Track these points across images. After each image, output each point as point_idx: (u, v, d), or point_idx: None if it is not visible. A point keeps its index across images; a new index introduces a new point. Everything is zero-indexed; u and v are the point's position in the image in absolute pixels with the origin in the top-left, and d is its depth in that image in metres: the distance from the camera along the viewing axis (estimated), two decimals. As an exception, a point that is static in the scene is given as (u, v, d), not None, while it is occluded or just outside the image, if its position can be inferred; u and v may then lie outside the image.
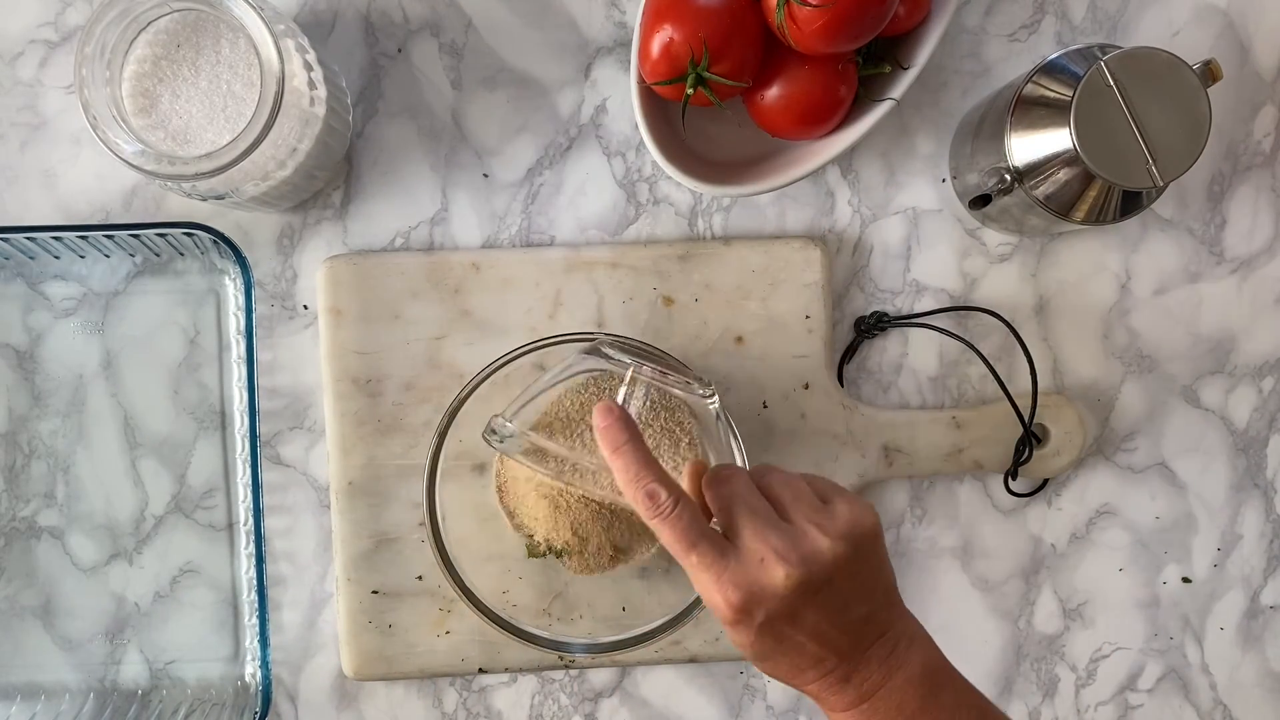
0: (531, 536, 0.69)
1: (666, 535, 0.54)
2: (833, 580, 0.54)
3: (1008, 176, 0.65)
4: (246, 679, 0.72)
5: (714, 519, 0.57)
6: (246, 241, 0.72)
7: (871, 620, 0.56)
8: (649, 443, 0.58)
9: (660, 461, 0.57)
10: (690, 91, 0.65)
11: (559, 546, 0.68)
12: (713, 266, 0.72)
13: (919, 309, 0.74)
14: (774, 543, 0.54)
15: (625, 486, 0.56)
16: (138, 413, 0.72)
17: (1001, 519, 0.76)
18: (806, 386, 0.73)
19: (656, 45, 0.64)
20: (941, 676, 0.56)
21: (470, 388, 0.67)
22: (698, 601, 0.67)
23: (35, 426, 0.72)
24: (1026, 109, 0.65)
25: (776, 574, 0.53)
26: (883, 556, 0.57)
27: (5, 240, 0.68)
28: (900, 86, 0.68)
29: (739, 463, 0.67)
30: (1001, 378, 0.72)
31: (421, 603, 0.71)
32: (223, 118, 0.62)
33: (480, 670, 0.72)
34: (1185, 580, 0.76)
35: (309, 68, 0.62)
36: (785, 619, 0.54)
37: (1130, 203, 0.66)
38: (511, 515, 0.70)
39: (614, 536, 0.68)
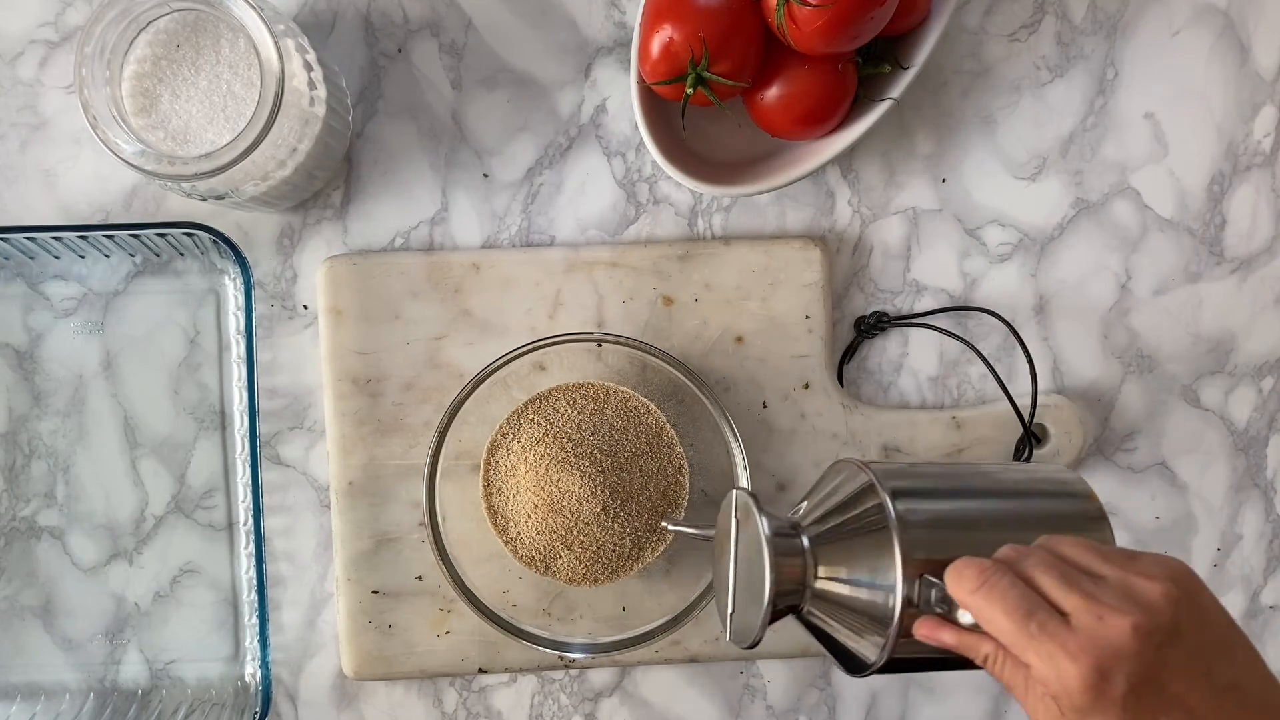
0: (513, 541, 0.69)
1: (997, 608, 0.47)
2: (1181, 631, 0.46)
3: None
4: (246, 679, 0.72)
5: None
6: (246, 241, 0.72)
7: (1242, 688, 0.47)
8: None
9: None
10: (690, 91, 0.65)
11: (542, 555, 0.69)
12: (713, 266, 0.72)
13: (919, 309, 0.74)
14: (1103, 597, 0.46)
15: (952, 570, 0.50)
16: (138, 413, 0.72)
17: (1001, 519, 0.75)
18: (806, 386, 0.73)
19: (656, 45, 0.64)
20: None
21: (470, 388, 0.67)
22: (698, 601, 0.67)
23: (35, 426, 0.72)
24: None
25: (1121, 625, 0.45)
26: (1220, 607, 0.49)
27: (5, 240, 0.68)
28: (900, 86, 0.68)
29: (739, 463, 0.67)
30: (1001, 378, 0.72)
31: (421, 603, 0.71)
32: (223, 118, 0.62)
33: (480, 670, 0.72)
34: (1185, 580, 0.76)
35: (309, 68, 0.62)
36: (1151, 689, 0.46)
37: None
38: (495, 514, 0.70)
39: (605, 549, 0.68)
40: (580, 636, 0.69)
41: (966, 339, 0.73)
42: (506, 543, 0.70)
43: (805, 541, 0.56)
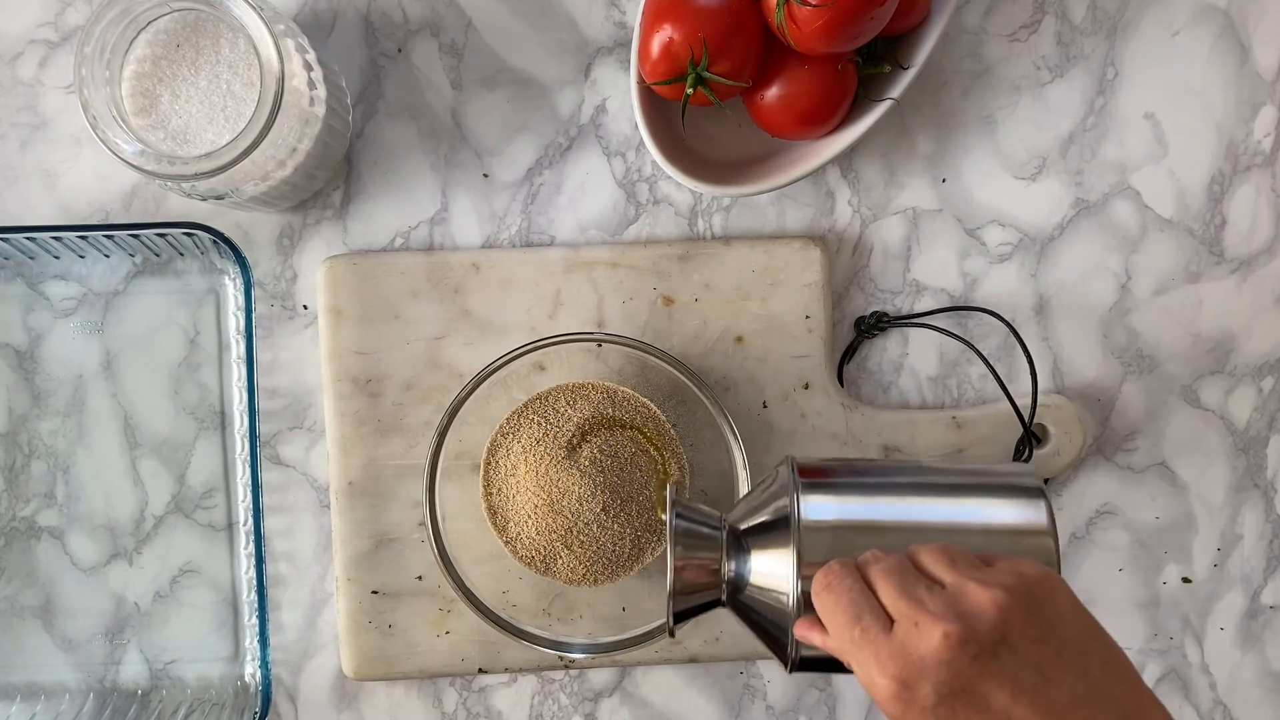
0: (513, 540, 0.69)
1: (831, 611, 0.48)
2: (1009, 641, 0.44)
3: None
4: (246, 679, 0.72)
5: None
6: (246, 241, 0.72)
7: (1091, 705, 0.44)
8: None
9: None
10: (690, 91, 0.65)
11: (542, 555, 0.69)
12: (713, 266, 0.72)
13: (919, 309, 0.74)
14: (928, 604, 0.45)
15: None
16: (138, 413, 0.72)
17: (1001, 519, 0.76)
18: (806, 386, 0.73)
19: (656, 45, 0.64)
20: None
21: (470, 388, 0.67)
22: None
23: (35, 426, 0.72)
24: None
25: (933, 634, 0.44)
26: (1078, 615, 0.47)
27: (5, 240, 0.68)
28: (900, 86, 0.68)
29: (739, 463, 0.67)
30: (1001, 378, 0.72)
31: (421, 603, 0.71)
32: (223, 118, 0.62)
33: (480, 670, 0.72)
34: (1185, 580, 0.76)
35: (309, 68, 0.62)
36: (964, 699, 0.44)
37: None
38: (495, 514, 0.70)
39: (605, 549, 0.68)
40: (580, 636, 0.69)
41: (966, 339, 0.73)
42: (506, 543, 0.70)
43: (724, 536, 0.56)
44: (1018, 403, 0.72)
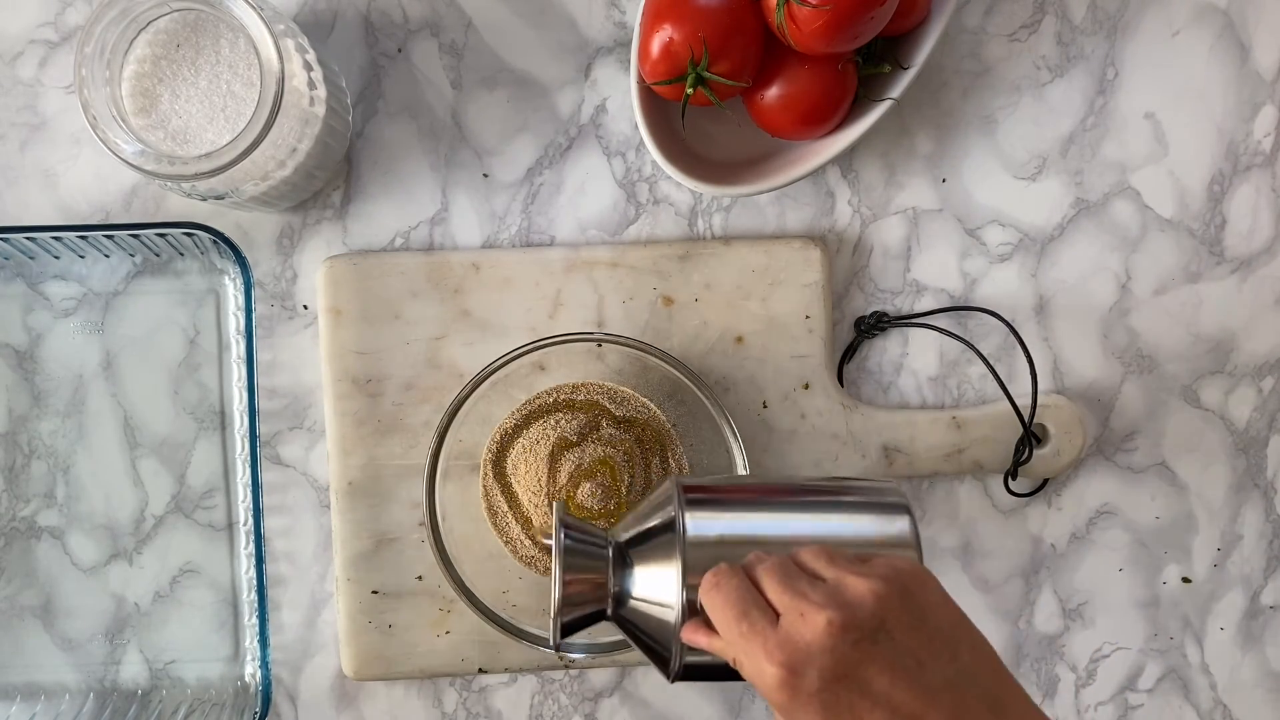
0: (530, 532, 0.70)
1: (719, 607, 0.50)
2: (887, 628, 0.47)
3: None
4: (246, 679, 0.72)
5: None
6: (246, 241, 0.72)
7: (962, 687, 0.47)
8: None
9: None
10: (690, 91, 0.65)
11: (541, 555, 0.69)
12: (713, 266, 0.72)
13: (919, 309, 0.74)
14: (811, 596, 0.48)
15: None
16: (138, 413, 0.72)
17: (1001, 519, 0.76)
18: (806, 386, 0.73)
19: (656, 45, 0.64)
20: None
21: (470, 388, 0.67)
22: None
23: (35, 426, 0.72)
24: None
25: (817, 622, 0.47)
26: (947, 606, 0.49)
27: (5, 240, 0.68)
28: (900, 86, 0.68)
29: (739, 462, 0.67)
30: (1001, 378, 0.72)
31: (421, 603, 0.71)
32: (223, 118, 0.62)
33: (480, 670, 0.72)
34: (1185, 580, 0.76)
35: (309, 68, 0.62)
36: (848, 684, 0.46)
37: None
38: (494, 514, 0.70)
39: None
40: (580, 636, 0.69)
41: (966, 339, 0.73)
42: (506, 543, 0.70)
43: (610, 551, 0.57)
44: (1018, 403, 0.72)
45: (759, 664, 0.48)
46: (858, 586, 0.48)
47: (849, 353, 0.74)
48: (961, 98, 0.74)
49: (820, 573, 0.50)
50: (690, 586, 0.53)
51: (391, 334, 0.71)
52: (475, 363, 0.70)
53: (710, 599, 0.51)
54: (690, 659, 0.54)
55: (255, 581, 0.70)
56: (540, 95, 0.73)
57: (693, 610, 0.53)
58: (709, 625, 0.52)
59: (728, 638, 0.49)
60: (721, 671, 0.53)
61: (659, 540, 0.56)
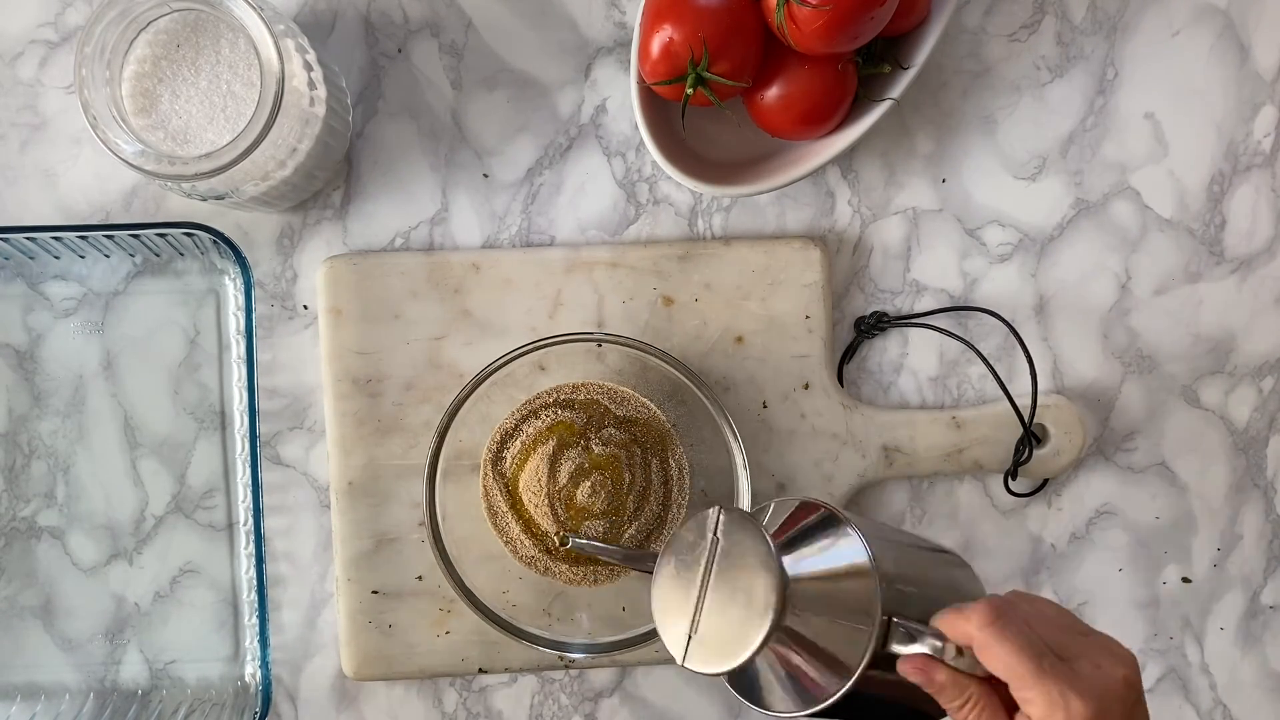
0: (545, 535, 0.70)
1: (1010, 645, 0.51)
2: (1143, 696, 0.54)
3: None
4: (246, 679, 0.72)
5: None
6: (246, 241, 0.72)
7: None
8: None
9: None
10: (690, 91, 0.65)
11: (541, 555, 0.69)
12: (713, 266, 0.72)
13: (919, 309, 0.74)
14: (1096, 652, 0.53)
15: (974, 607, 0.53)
16: (138, 413, 0.72)
17: (1001, 519, 0.76)
18: (806, 386, 0.73)
19: (656, 45, 0.64)
20: None
21: (470, 388, 0.67)
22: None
23: (35, 426, 0.72)
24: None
25: (1116, 673, 0.52)
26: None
27: (5, 240, 0.68)
28: (900, 86, 0.68)
29: (739, 463, 0.67)
30: (1001, 378, 0.72)
31: (421, 603, 0.71)
32: (223, 118, 0.62)
33: (480, 670, 0.72)
34: (1185, 580, 0.76)
35: (309, 68, 0.62)
36: None
37: None
38: (494, 514, 0.70)
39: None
40: (580, 636, 0.69)
41: (966, 339, 0.73)
42: (506, 543, 0.70)
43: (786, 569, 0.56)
44: (1018, 403, 0.72)
45: (1069, 701, 0.51)
46: (1126, 652, 0.54)
47: (849, 353, 0.74)
48: (961, 98, 0.74)
49: (1077, 629, 0.54)
50: (880, 622, 0.54)
51: (391, 334, 0.71)
52: (475, 363, 0.70)
53: (990, 634, 0.52)
54: (865, 690, 0.54)
55: (255, 581, 0.70)
56: (540, 95, 0.73)
57: (882, 645, 0.54)
58: (932, 659, 0.53)
59: (1023, 671, 0.51)
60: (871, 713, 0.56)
61: (827, 564, 0.56)
